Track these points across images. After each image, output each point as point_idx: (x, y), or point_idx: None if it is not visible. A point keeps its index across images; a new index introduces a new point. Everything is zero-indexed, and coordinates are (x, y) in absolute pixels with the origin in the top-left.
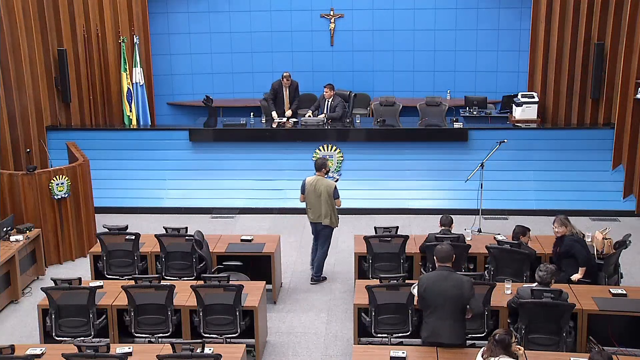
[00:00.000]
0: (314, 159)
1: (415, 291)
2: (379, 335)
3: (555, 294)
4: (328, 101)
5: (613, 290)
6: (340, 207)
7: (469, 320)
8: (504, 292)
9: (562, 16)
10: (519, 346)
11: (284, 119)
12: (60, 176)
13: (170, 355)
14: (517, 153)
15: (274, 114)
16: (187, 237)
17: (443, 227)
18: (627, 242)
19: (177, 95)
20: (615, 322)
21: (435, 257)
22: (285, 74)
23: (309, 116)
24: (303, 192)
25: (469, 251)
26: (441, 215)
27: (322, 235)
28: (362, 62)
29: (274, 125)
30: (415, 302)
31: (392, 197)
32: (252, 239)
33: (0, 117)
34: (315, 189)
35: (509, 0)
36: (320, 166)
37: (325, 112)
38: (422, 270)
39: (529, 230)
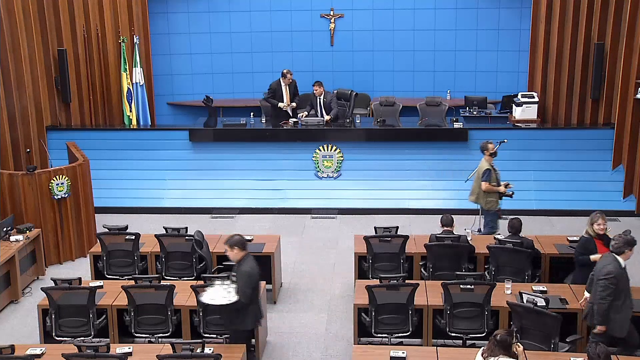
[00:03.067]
0: (313, 159)
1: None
2: (379, 335)
3: (547, 302)
4: (320, 98)
5: None
6: (487, 191)
7: None
8: (504, 292)
9: (562, 16)
10: (518, 344)
11: (288, 107)
12: (60, 176)
13: (170, 355)
14: (517, 153)
15: (281, 104)
16: (187, 237)
17: (445, 228)
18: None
19: (177, 95)
20: None
21: None
22: (286, 71)
23: (305, 115)
24: None
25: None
26: (442, 216)
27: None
28: (362, 62)
29: (282, 107)
30: None
31: (392, 197)
32: (252, 239)
33: (0, 117)
34: (478, 169)
35: (509, 0)
36: (482, 149)
37: (320, 110)
38: (422, 270)
39: None
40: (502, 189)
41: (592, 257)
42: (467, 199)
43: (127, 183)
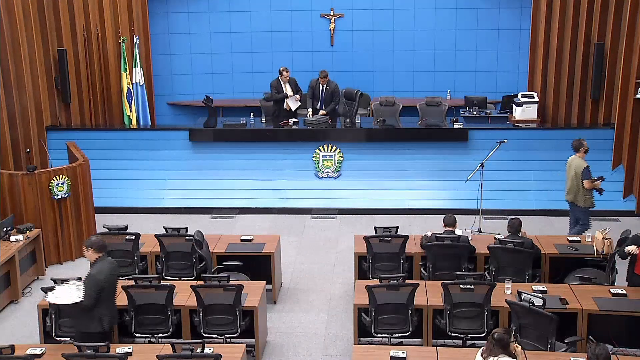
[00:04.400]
0: (313, 159)
1: None
2: (379, 335)
3: (544, 301)
4: (324, 86)
5: (613, 290)
6: (590, 188)
7: None
8: (504, 292)
9: (562, 16)
10: (517, 344)
11: (296, 98)
12: (60, 176)
13: (170, 355)
14: (517, 153)
15: (287, 92)
16: (187, 237)
17: (447, 228)
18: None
19: (177, 95)
20: (615, 322)
21: None
22: (282, 68)
23: (310, 115)
24: None
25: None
26: (444, 216)
27: (570, 212)
28: (362, 62)
29: (288, 99)
30: None
31: (392, 197)
32: (252, 239)
33: (0, 117)
34: (569, 168)
35: (509, 0)
36: (577, 147)
37: (321, 101)
38: (422, 270)
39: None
40: (598, 183)
41: (629, 248)
42: (565, 199)
43: (127, 183)
